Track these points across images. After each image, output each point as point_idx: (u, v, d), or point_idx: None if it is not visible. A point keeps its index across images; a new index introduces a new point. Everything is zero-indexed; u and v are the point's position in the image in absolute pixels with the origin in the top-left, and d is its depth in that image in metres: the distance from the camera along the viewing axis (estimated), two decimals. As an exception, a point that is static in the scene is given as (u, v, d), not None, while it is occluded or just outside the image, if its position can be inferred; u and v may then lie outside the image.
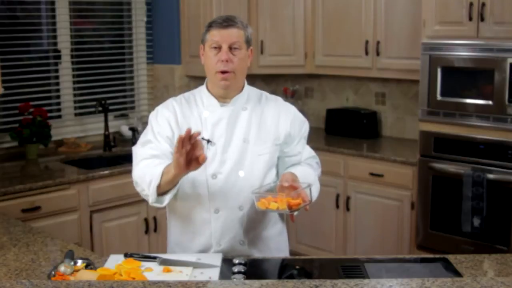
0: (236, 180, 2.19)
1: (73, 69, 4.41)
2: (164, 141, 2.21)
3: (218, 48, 2.15)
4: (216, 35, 2.15)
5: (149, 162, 2.15)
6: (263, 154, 2.23)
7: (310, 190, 2.12)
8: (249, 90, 2.31)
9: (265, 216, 2.27)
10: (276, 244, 2.34)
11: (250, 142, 2.22)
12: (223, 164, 2.19)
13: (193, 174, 2.14)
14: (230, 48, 2.15)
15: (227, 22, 2.16)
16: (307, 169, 2.32)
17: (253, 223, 2.24)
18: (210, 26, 2.19)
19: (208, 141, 2.20)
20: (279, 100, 2.36)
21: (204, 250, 2.22)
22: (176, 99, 2.30)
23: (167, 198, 2.12)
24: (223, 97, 2.23)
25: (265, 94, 2.36)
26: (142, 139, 2.26)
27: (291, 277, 2.04)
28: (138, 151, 2.23)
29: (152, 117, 2.28)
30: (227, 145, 2.20)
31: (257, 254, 2.25)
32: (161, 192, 2.10)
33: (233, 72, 2.16)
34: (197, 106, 2.26)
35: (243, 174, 2.19)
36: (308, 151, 2.41)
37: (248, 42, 2.21)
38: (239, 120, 2.24)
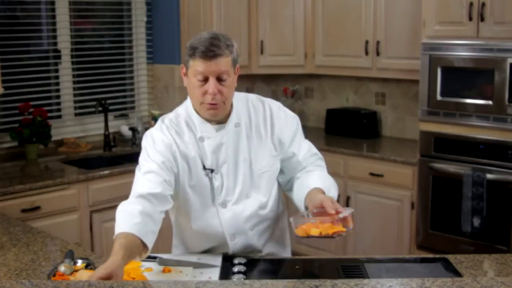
0: (245, 203, 2.13)
1: (73, 69, 4.40)
2: (168, 170, 2.03)
3: (204, 80, 1.97)
4: (200, 66, 1.95)
5: (132, 211, 1.92)
6: (265, 171, 2.16)
7: (353, 216, 1.97)
8: (236, 102, 2.14)
9: (275, 226, 2.24)
10: (284, 242, 2.33)
11: (252, 161, 2.13)
12: (232, 190, 2.11)
13: (202, 203, 2.09)
14: (218, 78, 1.98)
15: (212, 51, 1.94)
16: (323, 174, 2.20)
17: (265, 235, 2.21)
18: (193, 53, 1.96)
19: (212, 170, 2.09)
20: (265, 102, 2.21)
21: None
22: (169, 126, 2.10)
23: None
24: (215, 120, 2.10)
25: (250, 99, 2.20)
26: (144, 167, 2.04)
27: (291, 277, 2.04)
28: (138, 180, 2.03)
29: (149, 145, 2.08)
30: (232, 171, 2.11)
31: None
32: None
33: (222, 102, 2.01)
34: (191, 131, 2.10)
35: (251, 196, 2.14)
36: (307, 148, 2.25)
37: (235, 63, 2.03)
38: (238, 141, 2.12)
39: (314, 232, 1.89)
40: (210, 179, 2.09)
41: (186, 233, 2.23)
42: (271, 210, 2.19)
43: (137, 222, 1.88)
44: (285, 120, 2.20)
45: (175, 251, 2.32)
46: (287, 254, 2.34)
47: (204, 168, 2.08)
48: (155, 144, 2.07)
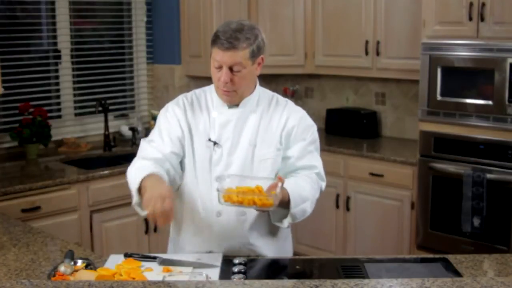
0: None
1: (73, 69, 4.41)
2: (169, 140, 2.19)
3: (220, 67, 2.11)
4: (218, 55, 2.09)
5: (144, 163, 2.13)
6: (267, 158, 2.19)
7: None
8: (261, 92, 2.27)
9: (269, 221, 2.23)
10: (281, 248, 2.31)
11: (257, 146, 2.19)
12: (229, 167, 2.16)
13: (199, 175, 2.17)
14: (231, 69, 2.10)
15: (230, 43, 2.06)
16: (302, 182, 2.18)
17: (257, 227, 2.21)
18: (214, 41, 2.11)
19: (215, 143, 2.18)
20: (289, 103, 2.30)
21: (205, 251, 2.20)
22: (187, 96, 2.28)
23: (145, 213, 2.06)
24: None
25: (276, 97, 2.31)
26: (150, 136, 2.26)
27: (291, 277, 2.04)
28: (143, 147, 2.23)
29: (161, 114, 2.26)
30: (234, 148, 2.18)
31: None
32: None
33: (234, 91, 2.14)
34: (207, 106, 2.24)
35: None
36: (311, 163, 2.27)
37: (255, 55, 2.13)
38: (247, 123, 2.21)
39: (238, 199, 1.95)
40: (211, 152, 2.17)
41: (178, 216, 2.27)
42: None
43: (149, 168, 2.08)
44: (303, 123, 2.27)
45: (170, 247, 2.34)
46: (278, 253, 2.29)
47: (209, 140, 2.19)
48: (166, 113, 2.24)
